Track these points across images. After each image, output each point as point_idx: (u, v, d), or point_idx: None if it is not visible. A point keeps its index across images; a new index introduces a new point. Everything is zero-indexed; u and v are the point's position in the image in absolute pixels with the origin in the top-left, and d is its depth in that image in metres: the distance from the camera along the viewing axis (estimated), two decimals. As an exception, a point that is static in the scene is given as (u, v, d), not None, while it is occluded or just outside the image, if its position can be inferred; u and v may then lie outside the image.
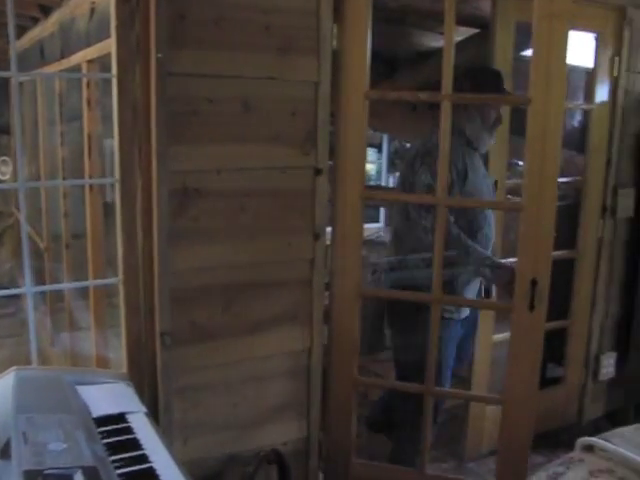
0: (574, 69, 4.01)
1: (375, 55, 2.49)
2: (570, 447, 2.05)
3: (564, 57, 2.42)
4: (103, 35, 2.50)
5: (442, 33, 4.72)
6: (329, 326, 2.74)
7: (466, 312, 3.12)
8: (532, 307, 2.50)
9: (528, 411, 2.61)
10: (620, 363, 4.01)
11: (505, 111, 3.13)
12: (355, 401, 2.82)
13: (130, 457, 1.65)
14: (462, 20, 4.41)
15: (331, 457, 2.86)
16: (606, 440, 1.89)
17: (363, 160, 2.54)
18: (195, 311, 2.38)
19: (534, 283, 2.49)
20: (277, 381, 2.62)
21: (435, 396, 2.75)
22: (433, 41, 4.86)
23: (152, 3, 2.08)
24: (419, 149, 3.02)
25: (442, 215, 2.55)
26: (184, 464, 1.97)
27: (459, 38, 4.86)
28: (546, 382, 4.07)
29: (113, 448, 1.67)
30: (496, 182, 3.20)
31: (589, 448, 1.89)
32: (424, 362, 2.71)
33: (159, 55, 2.12)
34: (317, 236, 2.55)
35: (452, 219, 2.79)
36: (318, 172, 2.50)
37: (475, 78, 2.89)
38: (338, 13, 2.47)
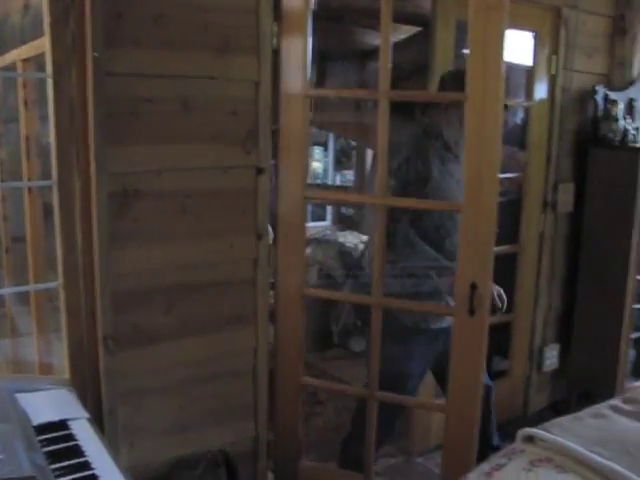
0: (515, 67, 4.07)
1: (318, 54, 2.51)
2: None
3: (501, 51, 2.29)
4: (38, 33, 2.45)
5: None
6: (274, 326, 2.73)
7: (446, 322, 2.86)
8: (472, 312, 2.41)
9: (472, 414, 2.54)
10: (563, 355, 4.10)
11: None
12: (302, 401, 2.82)
13: (72, 465, 1.63)
14: (404, 18, 4.48)
15: (280, 458, 2.85)
16: (546, 430, 1.92)
17: (305, 159, 2.53)
18: (138, 314, 2.35)
19: (474, 287, 2.39)
20: (223, 382, 2.61)
21: (378, 401, 2.70)
22: (377, 39, 4.89)
23: (87, 0, 2.04)
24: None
25: (380, 216, 2.52)
26: (130, 469, 1.95)
27: (402, 36, 4.91)
28: (492, 375, 4.14)
29: (54, 456, 1.64)
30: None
31: (530, 439, 1.93)
32: (391, 372, 2.68)
33: (95, 54, 2.08)
34: (260, 236, 2.54)
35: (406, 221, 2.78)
36: (260, 171, 2.49)
37: (460, 81, 2.63)
38: (278, 12, 2.47)
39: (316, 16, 4.42)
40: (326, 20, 4.69)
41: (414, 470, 3.47)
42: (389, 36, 2.36)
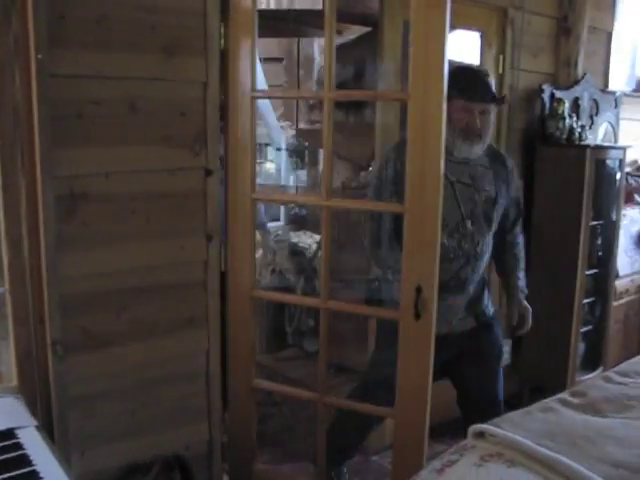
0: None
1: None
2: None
3: (443, 49, 2.21)
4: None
5: (338, 32, 4.80)
6: (226, 328, 2.72)
7: (449, 328, 2.77)
8: (417, 316, 2.33)
9: (421, 419, 2.46)
10: (515, 351, 4.16)
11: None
12: (254, 403, 2.80)
13: (19, 475, 1.59)
14: (354, 19, 4.49)
15: (234, 461, 2.84)
16: (496, 426, 1.95)
17: (253, 161, 2.51)
18: (87, 318, 2.31)
19: (419, 291, 2.31)
20: (176, 385, 2.58)
21: (327, 405, 2.69)
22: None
23: (29, 1, 2.01)
24: (388, 150, 2.89)
25: (326, 218, 2.47)
26: (82, 477, 1.93)
27: (352, 37, 4.94)
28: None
29: (0, 466, 1.61)
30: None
31: (480, 434, 1.95)
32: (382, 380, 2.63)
33: (39, 56, 2.04)
34: (210, 238, 2.53)
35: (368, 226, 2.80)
36: (209, 173, 2.48)
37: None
38: (225, 13, 2.46)
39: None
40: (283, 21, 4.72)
41: (370, 468, 3.49)
42: (333, 37, 2.32)
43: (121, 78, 2.26)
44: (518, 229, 3.02)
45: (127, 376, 2.44)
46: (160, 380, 2.53)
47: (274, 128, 5.20)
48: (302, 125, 5.52)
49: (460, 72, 2.74)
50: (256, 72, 2.44)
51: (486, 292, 2.97)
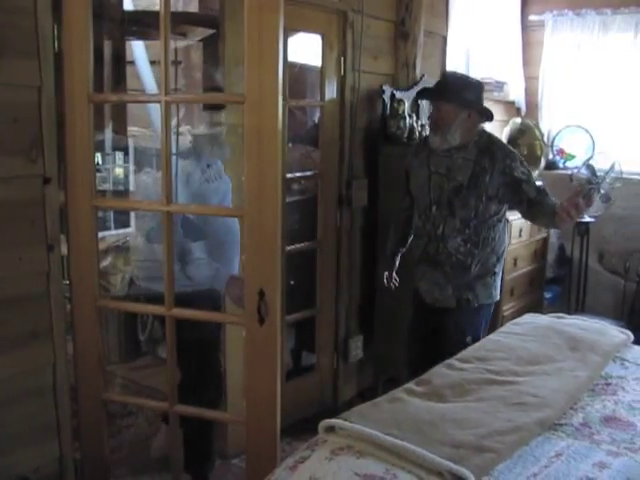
0: (312, 69, 4.19)
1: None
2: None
3: (277, 52, 2.18)
4: None
5: (182, 34, 4.74)
6: (73, 340, 2.62)
7: (431, 299, 3.26)
8: (262, 321, 2.29)
9: (272, 425, 2.43)
10: (367, 344, 4.28)
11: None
12: (106, 416, 2.71)
13: None
14: (199, 21, 4.46)
15: (88, 478, 2.73)
16: (345, 419, 2.00)
17: (92, 166, 2.42)
18: None
19: (262, 295, 2.27)
20: (22, 403, 2.45)
21: (178, 414, 2.63)
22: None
23: None
24: None
25: (167, 223, 2.42)
26: None
27: (197, 38, 4.89)
28: (302, 370, 4.24)
29: None
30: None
31: (331, 429, 2.00)
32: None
33: None
34: (51, 247, 2.42)
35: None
36: (47, 181, 2.38)
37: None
38: (58, 13, 2.36)
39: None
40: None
41: (230, 471, 3.48)
42: (168, 39, 2.28)
43: (-56, 82, 2.13)
44: (546, 195, 3.07)
45: (-33, 397, 2.30)
46: (4, 399, 2.40)
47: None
48: (202, 129, 5.38)
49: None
50: (91, 75, 2.36)
51: (482, 283, 3.20)
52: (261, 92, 2.20)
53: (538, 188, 3.12)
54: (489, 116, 3.19)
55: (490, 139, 3.22)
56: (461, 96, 3.09)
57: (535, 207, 3.06)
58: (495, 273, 3.26)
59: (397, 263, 3.56)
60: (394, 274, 3.53)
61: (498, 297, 3.34)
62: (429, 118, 3.22)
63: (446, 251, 3.16)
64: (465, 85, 3.17)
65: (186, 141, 3.26)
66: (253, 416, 2.44)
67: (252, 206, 2.28)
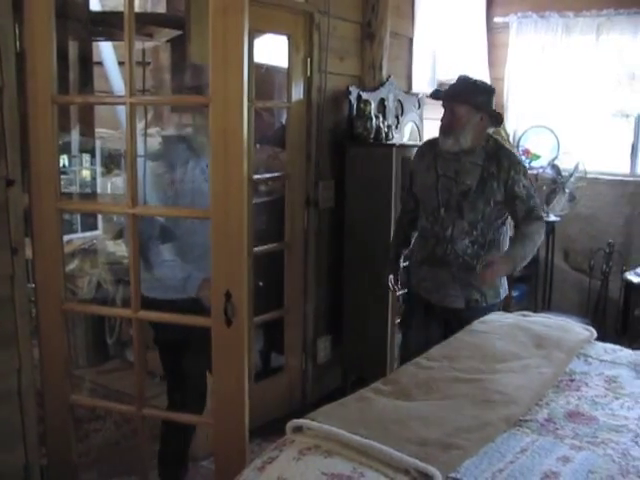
0: (278, 70, 4.19)
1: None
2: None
3: (242, 53, 2.20)
4: None
5: (148, 35, 4.71)
6: (38, 344, 2.59)
7: (436, 299, 3.30)
8: (229, 322, 2.29)
9: (240, 426, 2.44)
10: (336, 345, 4.29)
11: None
12: (73, 421, 2.69)
13: None
14: (165, 22, 4.44)
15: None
16: (312, 419, 2.00)
17: (56, 168, 2.40)
18: None
19: (228, 296, 2.28)
20: (-14, 409, 2.44)
21: (146, 418, 2.64)
22: (137, 43, 4.80)
23: None
24: None
25: (132, 226, 2.42)
26: None
27: (164, 39, 4.86)
28: (271, 371, 4.24)
29: None
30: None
31: (299, 429, 2.00)
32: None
33: None
34: (15, 251, 2.39)
35: None
36: (10, 183, 2.34)
37: None
38: (19, 13, 2.33)
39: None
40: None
41: (200, 473, 3.47)
42: (133, 41, 2.28)
43: None
44: (530, 221, 3.16)
45: None
46: (-31, 405, 2.37)
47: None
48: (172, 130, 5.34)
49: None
50: (54, 76, 2.34)
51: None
52: (226, 94, 2.21)
53: (529, 210, 3.16)
54: (500, 120, 3.26)
55: (497, 145, 3.28)
56: (476, 99, 3.14)
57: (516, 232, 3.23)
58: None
59: (401, 265, 3.61)
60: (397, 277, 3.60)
61: (506, 293, 3.40)
62: (441, 120, 3.21)
63: (454, 252, 3.19)
64: (479, 88, 3.20)
65: (155, 143, 3.25)
66: (221, 417, 2.45)
67: (218, 207, 2.27)
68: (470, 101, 3.12)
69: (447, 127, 3.15)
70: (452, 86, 3.25)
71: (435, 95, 3.29)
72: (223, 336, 2.33)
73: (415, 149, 4.24)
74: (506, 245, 3.30)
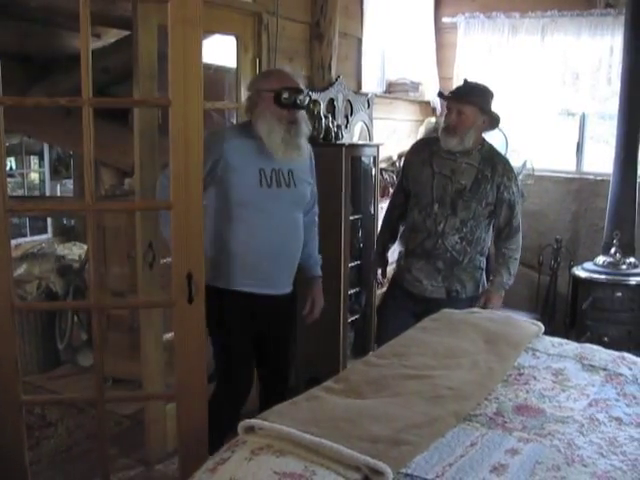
0: (227, 70, 4.17)
1: (24, 57, 2.34)
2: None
3: (199, 60, 2.46)
4: None
5: (96, 35, 4.66)
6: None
7: (418, 289, 3.46)
8: (191, 300, 2.54)
9: (201, 403, 2.64)
10: (290, 344, 4.29)
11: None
12: (24, 425, 2.64)
13: None
14: (112, 22, 4.39)
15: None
16: (264, 419, 2.00)
17: (2, 170, 2.38)
18: None
19: (190, 277, 2.53)
20: None
21: (107, 401, 2.67)
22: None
23: None
24: None
25: (90, 222, 2.50)
26: None
27: (111, 40, 4.82)
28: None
29: None
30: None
31: (251, 429, 1.99)
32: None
33: None
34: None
35: None
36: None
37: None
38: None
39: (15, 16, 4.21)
40: (29, 22, 4.47)
41: (154, 478, 3.44)
42: (89, 40, 2.29)
43: None
44: (510, 234, 3.42)
45: None
46: None
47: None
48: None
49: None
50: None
51: (470, 276, 3.44)
52: (186, 97, 2.43)
53: (510, 222, 3.39)
54: (497, 124, 3.41)
55: (492, 149, 3.46)
56: (483, 101, 3.30)
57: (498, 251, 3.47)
58: (482, 269, 3.51)
59: (388, 259, 3.80)
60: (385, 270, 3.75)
61: (485, 287, 3.53)
62: (445, 121, 3.35)
63: (443, 247, 3.36)
64: (485, 92, 3.36)
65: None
66: (183, 390, 2.65)
67: (179, 200, 2.49)
68: (478, 103, 3.28)
69: (454, 127, 3.28)
70: (460, 87, 3.40)
71: (441, 95, 3.52)
72: (186, 313, 2.57)
73: (364, 149, 4.31)
74: (489, 244, 3.52)
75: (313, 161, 3.10)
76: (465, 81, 3.42)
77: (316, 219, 3.21)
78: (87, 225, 2.55)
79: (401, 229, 3.68)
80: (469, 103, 3.26)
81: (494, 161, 3.36)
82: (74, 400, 2.92)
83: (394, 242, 3.75)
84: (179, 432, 2.70)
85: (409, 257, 3.48)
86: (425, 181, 3.39)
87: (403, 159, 3.74)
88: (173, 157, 2.47)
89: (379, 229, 3.83)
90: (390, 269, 3.91)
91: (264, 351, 3.11)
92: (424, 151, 3.47)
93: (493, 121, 3.35)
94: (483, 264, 3.52)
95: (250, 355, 3.06)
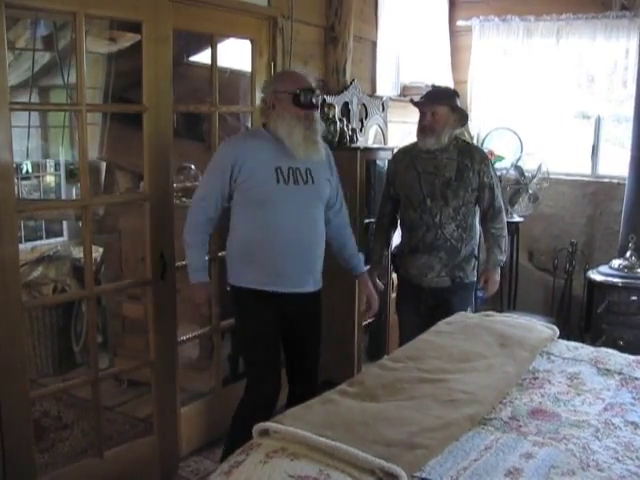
0: (242, 74, 4.18)
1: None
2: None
3: (169, 73, 2.99)
4: None
5: (111, 39, 4.68)
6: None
7: (424, 281, 3.62)
8: (163, 276, 3.01)
9: (172, 371, 3.22)
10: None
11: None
12: (32, 422, 2.67)
13: None
14: (125, 27, 4.41)
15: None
16: (278, 422, 2.01)
17: (11, 172, 2.43)
18: None
19: (162, 256, 3.02)
20: None
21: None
22: (101, 48, 4.77)
23: None
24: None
25: (86, 216, 2.83)
26: None
27: (127, 44, 4.84)
28: (238, 376, 4.22)
29: None
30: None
31: (265, 432, 2.00)
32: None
33: None
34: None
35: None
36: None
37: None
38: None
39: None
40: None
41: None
42: (83, 46, 2.47)
43: None
44: (494, 216, 3.63)
45: None
46: None
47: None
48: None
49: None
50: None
51: (468, 262, 3.64)
52: (158, 104, 2.98)
53: (492, 203, 3.60)
54: (466, 120, 3.66)
55: (466, 142, 3.82)
56: (452, 101, 3.55)
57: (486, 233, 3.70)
58: (476, 257, 3.77)
59: (385, 265, 4.03)
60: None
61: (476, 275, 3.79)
62: (420, 123, 3.56)
63: (443, 237, 3.55)
64: (451, 92, 3.67)
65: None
66: (159, 356, 3.18)
67: (153, 195, 3.05)
68: (448, 103, 3.52)
69: (430, 127, 3.50)
70: (430, 92, 3.67)
71: (414, 102, 3.68)
72: (159, 289, 3.11)
73: (379, 152, 4.31)
74: (479, 231, 3.77)
75: (332, 158, 3.14)
76: (434, 86, 3.77)
77: (347, 220, 3.25)
78: (83, 219, 2.87)
79: (393, 236, 3.90)
80: (441, 104, 3.50)
81: (471, 152, 3.62)
82: (69, 389, 3.33)
83: (388, 249, 3.95)
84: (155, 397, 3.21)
85: (412, 254, 3.63)
86: (413, 182, 3.58)
87: (386, 169, 3.96)
88: (146, 156, 2.99)
89: (372, 238, 3.99)
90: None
91: (292, 352, 3.11)
92: (405, 159, 3.68)
93: (462, 118, 3.59)
94: (476, 252, 3.78)
95: (279, 356, 3.05)
